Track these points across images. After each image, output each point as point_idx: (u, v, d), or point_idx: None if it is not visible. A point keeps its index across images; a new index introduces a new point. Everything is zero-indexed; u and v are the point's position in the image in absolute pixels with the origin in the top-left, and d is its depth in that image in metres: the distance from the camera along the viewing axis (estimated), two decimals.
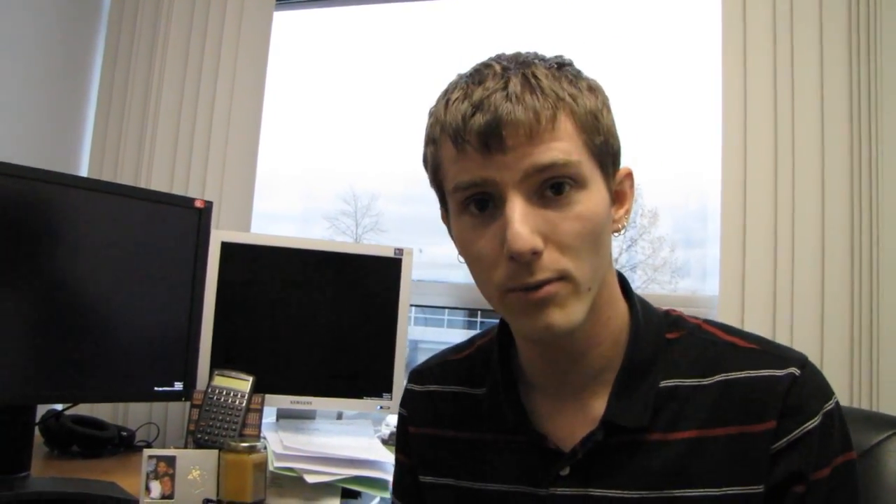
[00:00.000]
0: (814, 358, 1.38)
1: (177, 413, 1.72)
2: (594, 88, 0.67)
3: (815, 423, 0.65)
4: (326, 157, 2.07)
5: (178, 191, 1.81)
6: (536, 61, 0.65)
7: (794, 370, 0.67)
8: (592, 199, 0.64)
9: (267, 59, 1.88)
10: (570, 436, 0.70)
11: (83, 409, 1.54)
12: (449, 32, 1.96)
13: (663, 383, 0.69)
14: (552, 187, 0.62)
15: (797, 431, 0.65)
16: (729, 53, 1.53)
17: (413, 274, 1.57)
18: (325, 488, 1.25)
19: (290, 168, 2.07)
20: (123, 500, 1.15)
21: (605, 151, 0.66)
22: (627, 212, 0.70)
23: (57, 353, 1.21)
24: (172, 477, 1.14)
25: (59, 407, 1.49)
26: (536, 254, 0.62)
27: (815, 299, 1.41)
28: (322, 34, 2.10)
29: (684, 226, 1.89)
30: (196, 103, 1.87)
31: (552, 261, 0.62)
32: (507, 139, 0.61)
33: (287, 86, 1.99)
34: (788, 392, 0.65)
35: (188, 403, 1.38)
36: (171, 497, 1.13)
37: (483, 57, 0.68)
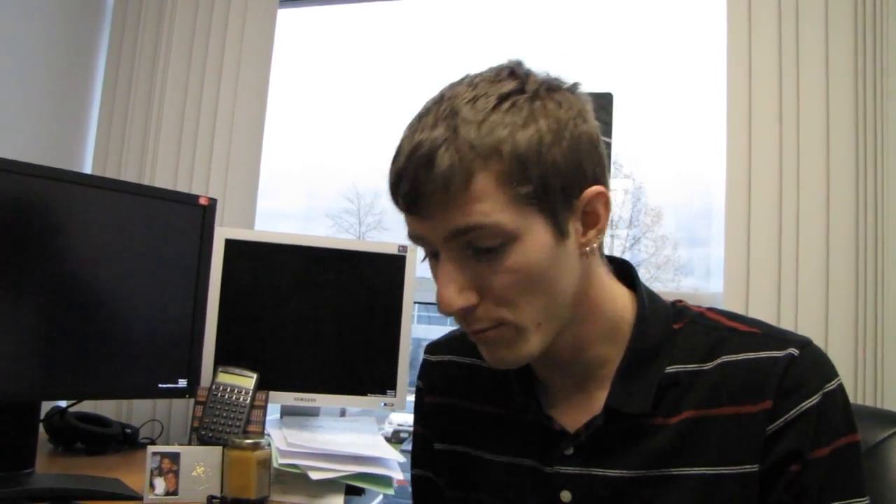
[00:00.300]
0: None
1: (181, 410, 1.73)
2: (537, 118, 0.62)
3: (813, 402, 0.65)
4: (330, 154, 2.07)
5: (181, 188, 1.81)
6: (470, 103, 0.62)
7: (794, 351, 0.67)
8: (526, 248, 0.62)
9: (271, 57, 1.88)
10: (574, 420, 0.72)
11: (87, 406, 1.55)
12: (453, 29, 1.95)
13: (667, 370, 0.70)
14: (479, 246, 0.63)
15: (794, 411, 0.65)
16: (734, 52, 1.52)
17: (417, 271, 1.57)
18: (328, 485, 1.25)
19: (293, 166, 2.07)
20: (127, 497, 1.15)
21: (546, 190, 0.62)
22: (601, 230, 0.67)
23: (61, 351, 1.21)
24: (176, 473, 1.14)
25: (63, 404, 1.49)
26: (469, 309, 0.64)
27: (819, 298, 1.40)
28: (326, 32, 2.10)
29: (688, 224, 1.88)
30: (200, 100, 1.87)
31: (488, 311, 0.65)
32: (424, 208, 0.62)
33: (291, 83, 1.99)
34: (786, 372, 0.66)
35: (192, 400, 1.38)
36: (175, 493, 1.13)
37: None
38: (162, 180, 1.84)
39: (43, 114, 1.86)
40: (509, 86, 0.63)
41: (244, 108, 1.86)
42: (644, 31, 1.83)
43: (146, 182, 1.83)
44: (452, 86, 0.66)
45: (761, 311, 1.43)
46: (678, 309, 0.74)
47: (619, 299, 0.72)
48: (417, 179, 0.61)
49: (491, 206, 0.61)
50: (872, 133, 1.40)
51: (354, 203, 2.08)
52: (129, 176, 1.87)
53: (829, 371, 0.68)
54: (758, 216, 1.47)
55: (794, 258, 1.43)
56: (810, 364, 0.67)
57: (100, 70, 2.00)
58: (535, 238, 0.63)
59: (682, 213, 1.89)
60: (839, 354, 1.37)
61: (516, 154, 0.61)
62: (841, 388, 0.68)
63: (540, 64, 0.69)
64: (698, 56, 1.74)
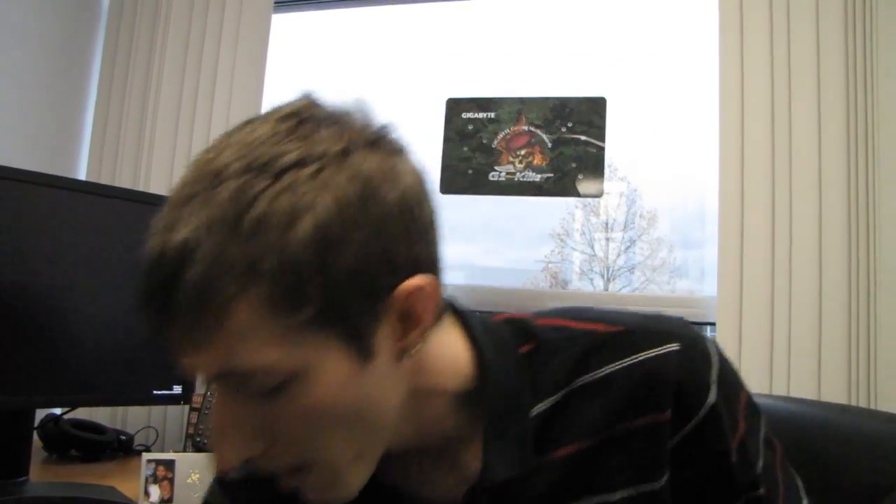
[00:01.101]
0: (811, 357, 1.38)
1: (176, 416, 1.72)
2: (316, 204, 0.46)
3: (712, 397, 0.57)
4: None
5: None
6: (234, 180, 0.47)
7: (673, 346, 0.57)
8: (318, 384, 0.48)
9: (265, 62, 1.88)
10: (440, 486, 0.59)
11: (82, 414, 1.54)
12: (447, 34, 1.96)
13: (534, 412, 0.58)
14: None
15: (701, 412, 0.56)
16: (726, 56, 1.53)
17: None
18: None
19: None
20: None
21: (335, 307, 0.47)
22: (424, 328, 0.52)
23: (55, 358, 1.20)
24: (171, 481, 1.13)
25: (57, 411, 1.48)
26: (255, 458, 0.50)
27: (812, 299, 1.41)
28: (320, 37, 2.10)
29: (682, 227, 1.89)
30: (195, 106, 1.87)
31: (284, 454, 0.50)
32: (174, 346, 0.49)
33: (286, 89, 1.98)
34: (676, 375, 0.56)
35: (187, 407, 1.38)
36: (170, 501, 1.13)
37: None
38: (157, 185, 1.83)
39: (37, 119, 1.85)
40: (289, 154, 0.48)
41: (239, 114, 1.86)
42: (637, 35, 1.84)
43: (141, 186, 1.83)
44: (220, 147, 0.51)
45: (755, 313, 1.43)
46: (516, 328, 0.61)
47: (459, 359, 0.58)
48: (162, 305, 0.47)
49: (259, 343, 0.46)
50: (864, 136, 1.41)
51: None
52: (124, 182, 1.87)
53: (707, 351, 0.59)
54: (751, 218, 1.47)
55: (788, 259, 1.43)
56: (693, 355, 0.58)
57: (94, 76, 2.00)
58: (328, 370, 0.48)
59: (676, 215, 1.90)
60: (832, 356, 1.37)
61: (287, 268, 0.45)
62: (720, 356, 0.59)
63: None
64: (691, 60, 1.75)
